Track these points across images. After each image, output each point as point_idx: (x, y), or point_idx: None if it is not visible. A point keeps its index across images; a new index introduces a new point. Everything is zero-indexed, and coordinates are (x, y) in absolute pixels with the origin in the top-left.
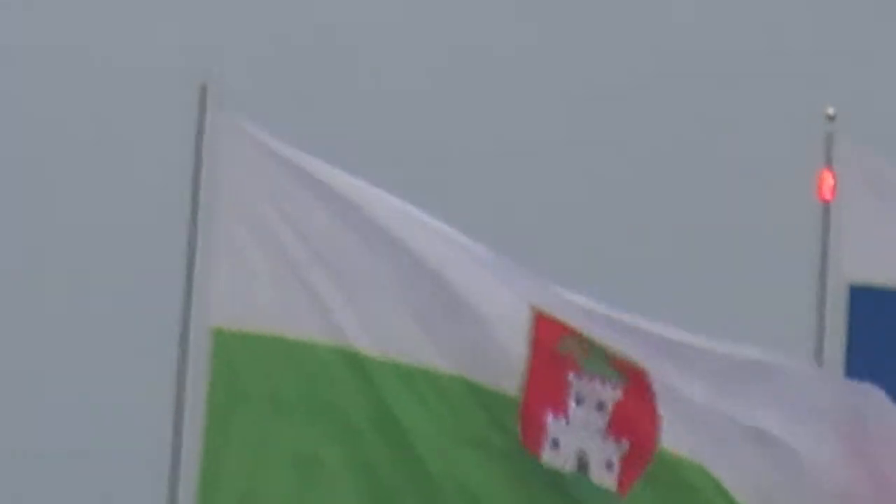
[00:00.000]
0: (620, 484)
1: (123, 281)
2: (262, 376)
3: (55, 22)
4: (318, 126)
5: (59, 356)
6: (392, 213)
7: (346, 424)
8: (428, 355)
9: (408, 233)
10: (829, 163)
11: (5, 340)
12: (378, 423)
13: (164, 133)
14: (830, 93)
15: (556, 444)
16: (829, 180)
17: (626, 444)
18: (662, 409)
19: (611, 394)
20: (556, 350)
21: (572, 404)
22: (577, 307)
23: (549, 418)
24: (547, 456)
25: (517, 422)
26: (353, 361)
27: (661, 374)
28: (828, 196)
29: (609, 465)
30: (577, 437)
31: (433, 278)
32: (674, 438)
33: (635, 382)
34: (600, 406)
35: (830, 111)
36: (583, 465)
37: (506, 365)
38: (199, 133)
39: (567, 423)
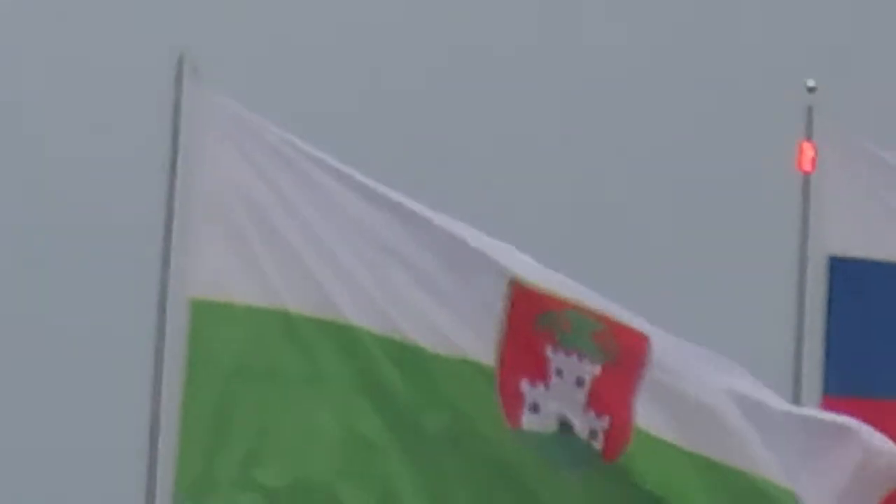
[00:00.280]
0: (606, 452)
1: (101, 252)
2: (241, 346)
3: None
4: (294, 97)
5: (35, 328)
6: (368, 186)
7: (325, 393)
8: (402, 325)
9: (384, 204)
10: (809, 135)
11: None
12: (355, 391)
13: (139, 105)
14: (810, 65)
15: (535, 407)
16: (809, 152)
17: (606, 419)
18: (650, 384)
19: (589, 369)
20: (533, 326)
21: (552, 376)
22: (566, 281)
23: (526, 386)
24: (527, 420)
25: (495, 391)
26: (331, 331)
27: (661, 346)
28: (808, 168)
29: (593, 434)
30: (557, 403)
31: (407, 249)
32: (655, 419)
33: (624, 355)
34: (579, 382)
35: (810, 83)
36: (566, 427)
37: (480, 337)
38: (176, 106)
39: (546, 388)
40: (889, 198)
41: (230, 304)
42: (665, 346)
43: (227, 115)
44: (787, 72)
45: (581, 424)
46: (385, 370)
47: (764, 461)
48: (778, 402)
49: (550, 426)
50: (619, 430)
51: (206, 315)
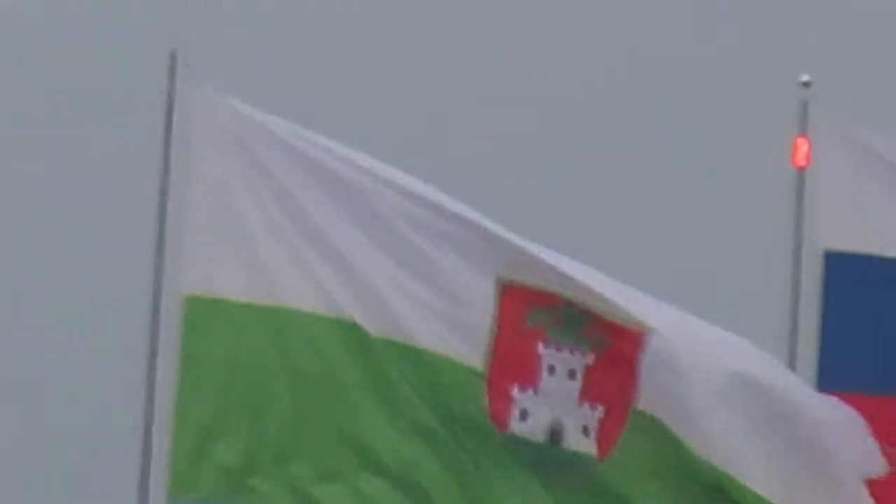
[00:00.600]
0: (600, 447)
1: (95, 247)
2: (234, 342)
3: None
4: (287, 91)
5: (32, 324)
6: (364, 177)
7: (319, 389)
8: (394, 324)
9: (378, 197)
10: (803, 129)
11: None
12: (351, 387)
13: (133, 101)
14: (805, 60)
15: (524, 414)
16: (803, 147)
17: (601, 408)
18: (646, 369)
19: (581, 360)
20: (523, 324)
21: (544, 375)
22: (561, 270)
23: (516, 391)
24: (516, 426)
25: (484, 395)
26: (326, 327)
27: (661, 332)
28: (802, 163)
29: (586, 431)
30: (548, 407)
31: (403, 246)
32: (654, 402)
33: (616, 342)
34: (572, 374)
35: (805, 78)
36: (555, 435)
37: (470, 340)
38: (169, 101)
39: (535, 393)
40: (883, 192)
41: (224, 300)
42: (662, 343)
43: (220, 109)
44: (782, 67)
45: (574, 423)
46: (382, 367)
47: (748, 465)
48: (792, 385)
49: (539, 435)
50: (615, 418)
51: (200, 311)
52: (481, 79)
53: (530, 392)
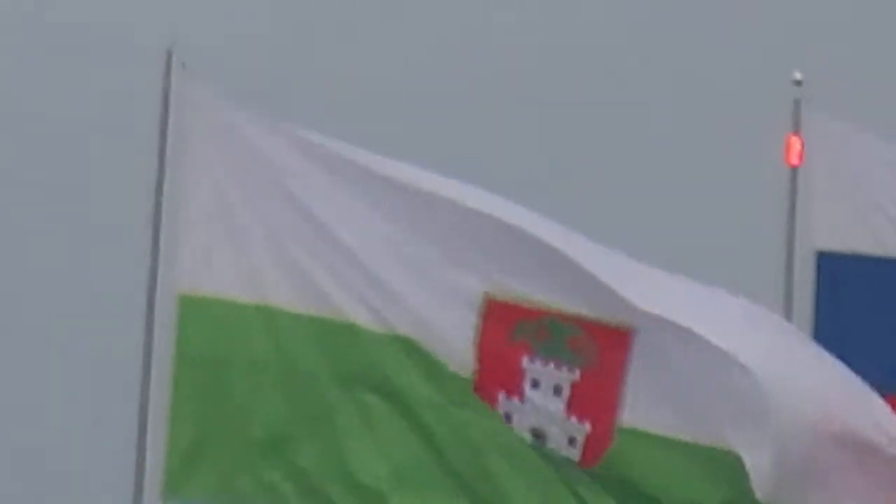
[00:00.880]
0: (584, 459)
1: (90, 248)
2: (227, 341)
3: None
4: (284, 92)
5: (27, 323)
6: (358, 176)
7: (313, 387)
8: (386, 320)
9: (373, 198)
10: (796, 128)
11: None
12: (340, 385)
13: (128, 99)
14: (798, 58)
15: (508, 418)
16: (796, 146)
17: (587, 424)
18: (634, 380)
19: (567, 376)
20: (508, 339)
21: (527, 388)
22: (551, 272)
23: (502, 397)
24: (527, 396)
25: (472, 389)
26: (319, 327)
27: (651, 332)
28: (795, 161)
29: (572, 442)
30: (531, 416)
31: (396, 250)
32: (643, 414)
33: (605, 357)
34: (557, 390)
35: (798, 76)
36: (538, 439)
37: (455, 353)
38: (165, 100)
39: (521, 402)
40: (876, 192)
41: (218, 299)
42: (650, 339)
43: (215, 108)
44: (775, 66)
45: (559, 432)
46: (376, 364)
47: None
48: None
49: (523, 437)
50: (601, 435)
51: (194, 310)
52: (477, 75)
53: (515, 400)
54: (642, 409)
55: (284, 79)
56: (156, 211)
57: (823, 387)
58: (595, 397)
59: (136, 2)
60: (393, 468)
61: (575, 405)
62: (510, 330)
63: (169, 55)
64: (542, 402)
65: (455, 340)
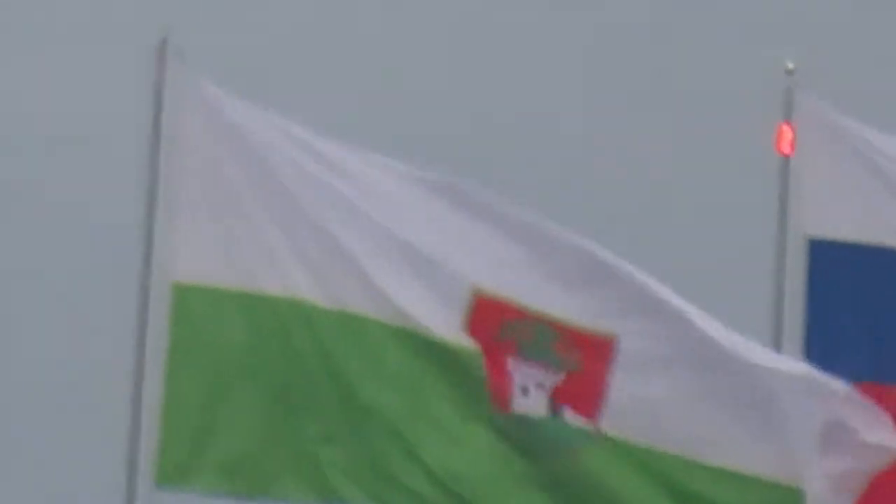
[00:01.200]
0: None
1: (84, 236)
2: (222, 329)
3: None
4: (276, 82)
5: (19, 312)
6: (348, 169)
7: (306, 376)
8: (382, 308)
9: (363, 191)
10: (788, 117)
11: None
12: (335, 373)
13: (122, 89)
14: (790, 47)
15: (525, 390)
16: (788, 134)
17: (571, 410)
18: (616, 389)
19: (552, 378)
20: (495, 337)
21: (517, 392)
22: (534, 279)
23: (511, 364)
24: (518, 404)
25: (483, 370)
26: (314, 314)
27: (631, 338)
28: (787, 150)
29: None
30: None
31: (386, 239)
32: (622, 423)
33: (588, 363)
34: (539, 386)
35: (790, 65)
36: (555, 409)
37: (462, 318)
38: (158, 89)
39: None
40: (867, 180)
41: (213, 288)
42: (635, 344)
43: (209, 97)
44: (767, 54)
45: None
46: (374, 352)
47: (747, 454)
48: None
49: (542, 409)
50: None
51: (189, 299)
52: (468, 68)
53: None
54: (620, 417)
55: (279, 69)
56: (150, 201)
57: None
58: (578, 394)
59: None
60: (396, 452)
61: (558, 397)
62: (497, 329)
63: (163, 44)
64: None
65: (444, 328)
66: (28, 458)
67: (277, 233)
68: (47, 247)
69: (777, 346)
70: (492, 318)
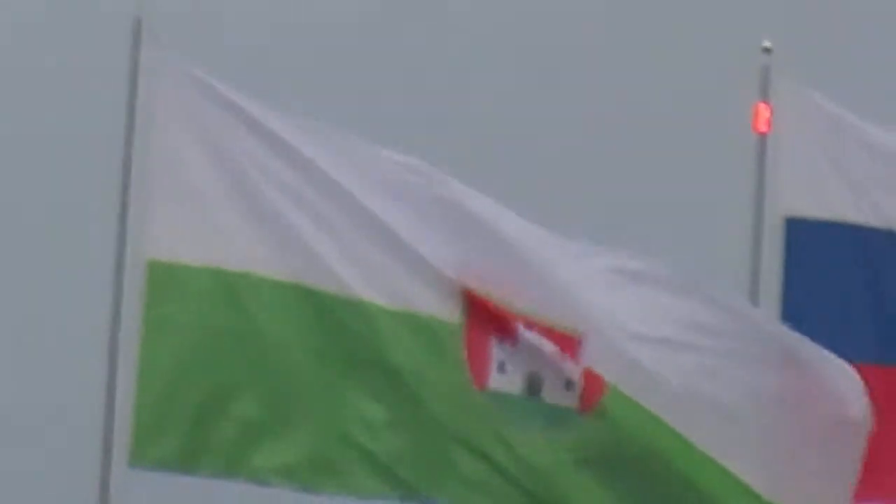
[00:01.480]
0: (583, 402)
1: (58, 214)
2: (196, 307)
3: None
4: (252, 61)
5: None
6: (325, 149)
7: (280, 355)
8: (361, 286)
9: (341, 169)
10: (765, 96)
11: None
12: (308, 352)
13: (97, 68)
14: (767, 26)
15: (502, 367)
16: (764, 113)
17: (583, 364)
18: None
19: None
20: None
21: (521, 329)
22: (509, 270)
23: (494, 342)
24: (494, 381)
25: (462, 348)
26: (287, 293)
27: (600, 337)
28: (763, 129)
29: (569, 385)
30: (526, 359)
31: (366, 212)
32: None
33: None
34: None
35: (767, 44)
36: (534, 388)
37: (444, 291)
38: (133, 68)
39: (513, 346)
40: (845, 158)
41: (187, 265)
42: (602, 343)
43: (183, 77)
44: (743, 33)
45: (554, 377)
46: (348, 331)
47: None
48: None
49: (517, 387)
50: (597, 377)
51: (163, 277)
52: (445, 49)
53: (508, 345)
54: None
55: (255, 49)
56: (124, 179)
57: (778, 360)
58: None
59: None
60: (368, 433)
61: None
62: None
63: (137, 23)
64: (537, 343)
65: (445, 282)
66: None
67: (255, 211)
68: (20, 225)
69: None
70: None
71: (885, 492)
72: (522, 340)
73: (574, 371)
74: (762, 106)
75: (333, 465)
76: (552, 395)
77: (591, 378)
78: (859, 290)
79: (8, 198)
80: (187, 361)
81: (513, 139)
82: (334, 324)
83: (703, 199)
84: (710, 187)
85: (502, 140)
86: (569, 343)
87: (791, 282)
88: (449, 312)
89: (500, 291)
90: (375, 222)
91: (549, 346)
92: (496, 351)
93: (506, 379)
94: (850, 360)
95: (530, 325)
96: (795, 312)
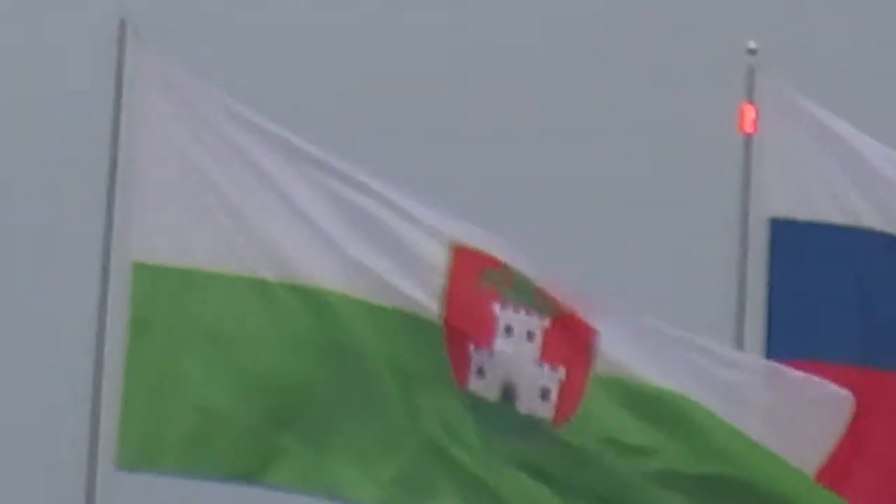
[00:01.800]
0: (558, 412)
1: (43, 215)
2: (181, 308)
3: None
4: (236, 60)
5: None
6: (307, 149)
7: (265, 354)
8: (347, 282)
9: (326, 166)
10: (750, 97)
11: None
12: (296, 350)
13: (82, 68)
14: (752, 27)
15: (481, 372)
16: (750, 114)
17: (562, 370)
18: (606, 329)
19: (538, 323)
20: (477, 284)
21: (500, 335)
22: (501, 243)
23: (472, 348)
24: (473, 384)
25: (444, 346)
26: (271, 292)
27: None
28: (749, 129)
29: (545, 394)
30: (503, 367)
31: (351, 207)
32: (614, 362)
33: (564, 311)
34: (530, 336)
35: (752, 45)
36: (508, 396)
37: (425, 292)
38: (119, 68)
39: (491, 354)
40: (830, 159)
41: (172, 267)
42: (607, 337)
43: (168, 77)
44: (729, 34)
45: (530, 385)
46: (333, 328)
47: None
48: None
49: (493, 394)
50: (576, 382)
51: (148, 278)
52: (423, 43)
53: (485, 353)
54: (615, 356)
55: (239, 50)
56: (110, 180)
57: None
58: (569, 342)
59: None
60: (352, 428)
61: (548, 350)
62: (478, 277)
63: (122, 24)
64: (515, 349)
65: (426, 278)
66: None
67: (239, 212)
68: (4, 225)
69: (739, 327)
70: (472, 267)
71: (869, 489)
72: (498, 348)
73: (552, 378)
74: (748, 107)
75: (322, 463)
76: (526, 404)
77: (568, 385)
78: (845, 292)
79: None
80: (174, 363)
81: (492, 133)
82: (322, 321)
83: (689, 199)
84: (696, 188)
85: (490, 141)
86: (570, 308)
87: (776, 282)
88: (432, 313)
89: (499, 255)
90: (357, 217)
91: (531, 348)
92: (474, 355)
93: (483, 384)
94: (835, 362)
95: (539, 281)
96: (781, 313)
